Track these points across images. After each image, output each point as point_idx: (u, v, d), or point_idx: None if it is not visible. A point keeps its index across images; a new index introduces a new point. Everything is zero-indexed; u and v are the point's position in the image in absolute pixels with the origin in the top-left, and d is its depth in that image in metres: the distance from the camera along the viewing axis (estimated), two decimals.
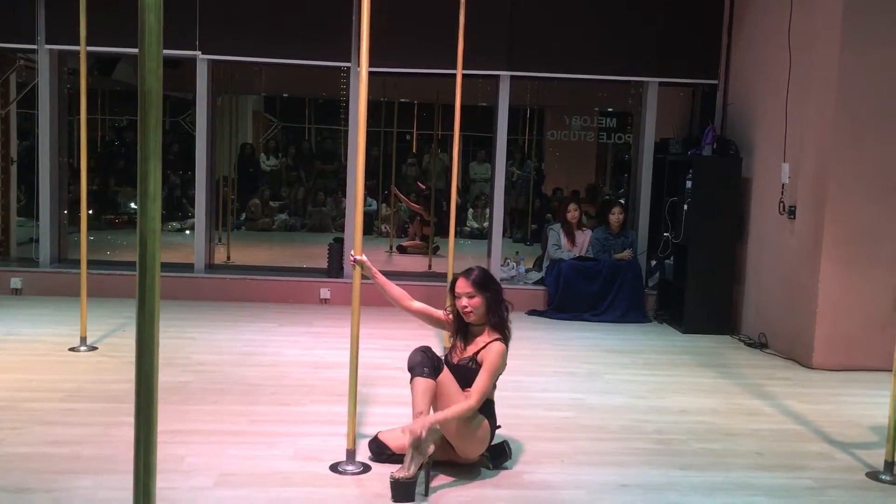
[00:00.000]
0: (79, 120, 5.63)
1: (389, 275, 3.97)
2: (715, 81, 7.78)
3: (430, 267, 9.39)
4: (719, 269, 7.12)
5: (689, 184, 7.13)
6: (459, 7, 5.63)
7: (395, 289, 3.78)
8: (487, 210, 10.94)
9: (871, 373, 5.69)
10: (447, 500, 3.32)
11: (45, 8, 7.48)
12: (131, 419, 1.68)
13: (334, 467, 3.57)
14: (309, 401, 4.62)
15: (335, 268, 7.82)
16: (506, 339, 3.62)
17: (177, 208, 12.64)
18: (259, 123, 15.16)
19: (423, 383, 3.37)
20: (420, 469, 3.29)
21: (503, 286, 3.87)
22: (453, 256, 5.79)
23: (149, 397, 1.64)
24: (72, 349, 5.49)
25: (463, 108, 5.89)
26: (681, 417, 4.61)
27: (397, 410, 4.05)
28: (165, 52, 1.70)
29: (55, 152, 7.75)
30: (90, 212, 7.53)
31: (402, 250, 10.84)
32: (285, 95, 15.08)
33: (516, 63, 7.74)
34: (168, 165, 12.65)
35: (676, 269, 7.39)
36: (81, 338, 5.52)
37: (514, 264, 8.34)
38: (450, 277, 4.94)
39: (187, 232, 11.14)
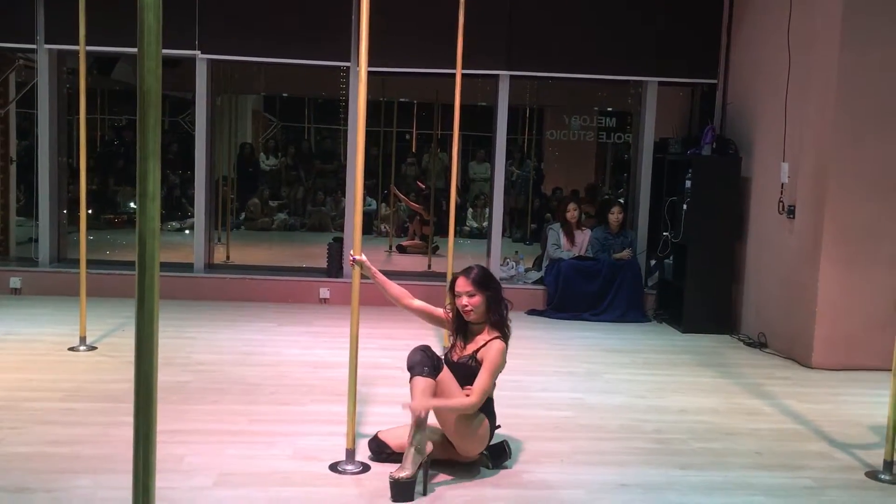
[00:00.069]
0: (78, 119, 5.63)
1: (389, 274, 3.97)
2: (714, 81, 7.78)
3: (429, 266, 9.39)
4: (719, 269, 7.12)
5: (688, 183, 7.13)
6: (459, 7, 5.63)
7: (395, 288, 3.79)
8: (487, 209, 10.94)
9: (871, 372, 5.69)
10: (447, 500, 3.32)
11: (44, 8, 7.48)
12: (131, 419, 1.68)
13: (334, 467, 3.57)
14: (308, 400, 4.62)
15: (335, 267, 7.83)
16: (505, 337, 3.62)
17: (176, 208, 12.64)
18: (258, 123, 15.17)
19: (423, 382, 3.37)
20: (419, 468, 3.29)
21: (503, 286, 3.87)
22: (453, 256, 5.79)
23: (148, 397, 1.64)
24: (71, 349, 5.49)
25: (462, 107, 5.89)
26: (680, 417, 4.62)
27: (397, 410, 4.03)
28: (165, 51, 1.70)
29: (54, 152, 7.75)
30: (89, 211, 7.53)
31: (402, 250, 10.84)
32: (285, 95, 15.08)
33: (516, 63, 7.74)
34: (167, 165, 12.65)
35: (676, 268, 7.39)
36: (81, 337, 5.52)
37: (514, 264, 8.34)
38: (449, 277, 4.94)
39: (187, 231, 11.14)
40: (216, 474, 3.46)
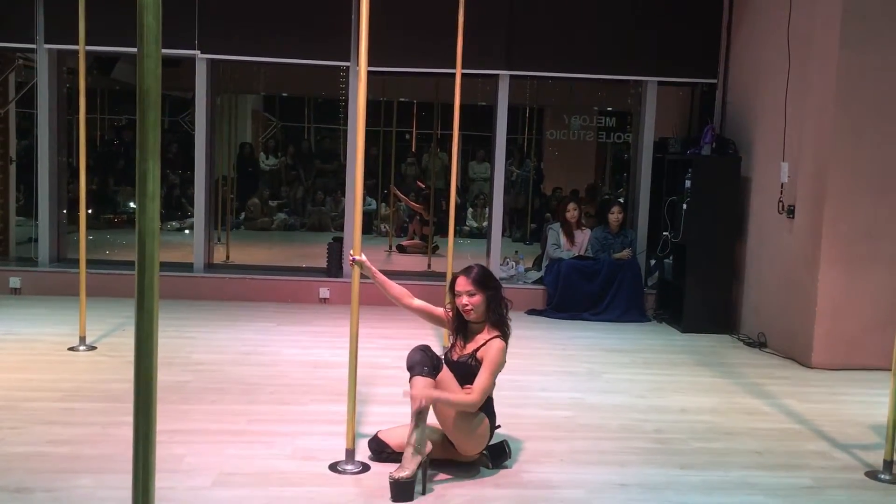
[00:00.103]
0: (78, 119, 5.63)
1: (389, 274, 3.97)
2: (714, 81, 7.78)
3: (429, 266, 9.39)
4: (718, 269, 7.12)
5: (688, 183, 7.13)
6: (459, 6, 5.63)
7: (395, 287, 3.79)
8: (487, 209, 10.94)
9: (870, 372, 5.69)
10: (447, 499, 3.32)
11: (43, 7, 7.48)
12: (130, 419, 1.68)
13: (333, 467, 3.57)
14: (308, 400, 4.62)
15: (334, 267, 7.83)
16: (505, 336, 3.63)
17: (176, 207, 12.64)
18: (258, 123, 15.17)
19: (423, 382, 3.37)
20: (418, 468, 3.30)
21: (502, 285, 3.87)
22: (452, 256, 5.79)
23: (148, 397, 1.64)
24: (71, 349, 5.49)
25: (462, 107, 5.89)
26: (680, 416, 4.62)
27: (396, 410, 4.05)
28: (164, 51, 1.70)
29: (54, 152, 7.75)
30: (89, 211, 7.53)
31: (402, 249, 10.84)
32: (284, 95, 15.07)
33: (515, 62, 7.74)
34: (167, 165, 12.65)
35: (675, 268, 7.39)
36: (80, 337, 5.52)
37: (514, 263, 8.34)
38: (449, 277, 4.94)
39: (186, 231, 11.14)
40: (216, 474, 3.46)
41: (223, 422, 4.17)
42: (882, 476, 3.75)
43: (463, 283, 3.61)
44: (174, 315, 6.61)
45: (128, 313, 6.44)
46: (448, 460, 3.61)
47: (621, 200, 8.70)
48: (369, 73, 3.60)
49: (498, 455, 3.70)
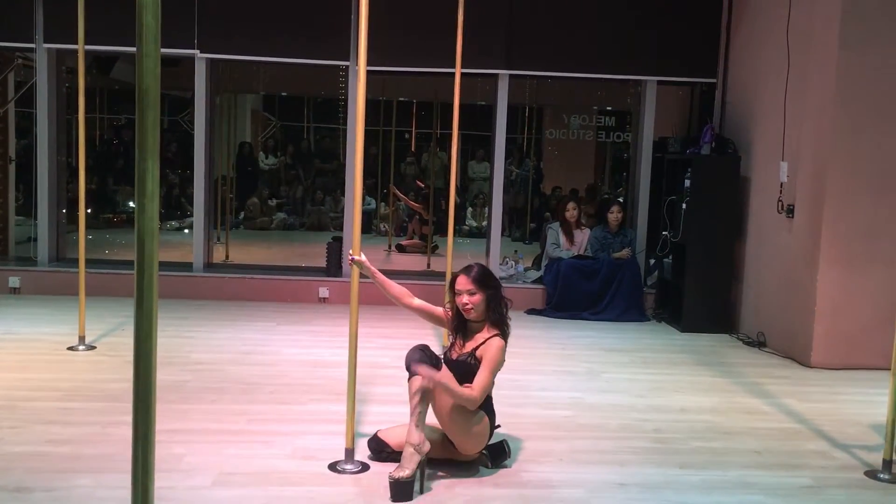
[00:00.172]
0: (77, 119, 5.63)
1: (388, 273, 3.97)
2: (713, 80, 7.78)
3: (428, 266, 9.39)
4: (718, 268, 7.12)
5: (687, 182, 7.13)
6: (458, 6, 5.63)
7: (395, 287, 3.79)
8: (486, 209, 10.94)
9: (870, 371, 5.70)
10: (447, 499, 3.32)
11: (43, 7, 7.48)
12: (130, 418, 1.67)
13: (333, 466, 3.57)
14: (307, 400, 4.62)
15: (334, 267, 7.83)
16: (505, 335, 3.63)
17: (175, 207, 12.64)
18: (258, 122, 15.16)
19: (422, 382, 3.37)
20: (417, 468, 3.30)
21: (502, 285, 3.87)
22: (452, 255, 5.79)
23: (147, 396, 1.64)
24: (70, 348, 5.49)
25: (462, 106, 5.89)
26: (679, 416, 4.62)
27: (396, 409, 4.05)
28: (164, 50, 1.70)
29: (53, 151, 7.75)
30: (88, 211, 7.53)
31: (401, 249, 10.84)
32: (284, 94, 15.07)
33: (515, 62, 7.74)
34: (166, 164, 12.65)
35: (675, 267, 7.39)
36: (80, 337, 5.52)
37: (513, 263, 8.34)
38: (448, 276, 4.95)
39: (186, 231, 11.14)
40: (215, 474, 3.46)
41: (223, 421, 4.17)
42: (881, 475, 3.75)
43: (463, 282, 3.62)
44: (173, 314, 6.61)
45: (127, 313, 6.44)
46: (448, 460, 3.61)
47: (621, 200, 8.70)
48: (369, 72, 3.60)
49: (497, 454, 3.70)
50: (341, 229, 8.71)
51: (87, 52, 5.56)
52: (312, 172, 13.89)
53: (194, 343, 5.86)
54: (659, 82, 7.89)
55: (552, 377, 5.35)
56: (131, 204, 11.63)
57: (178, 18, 7.35)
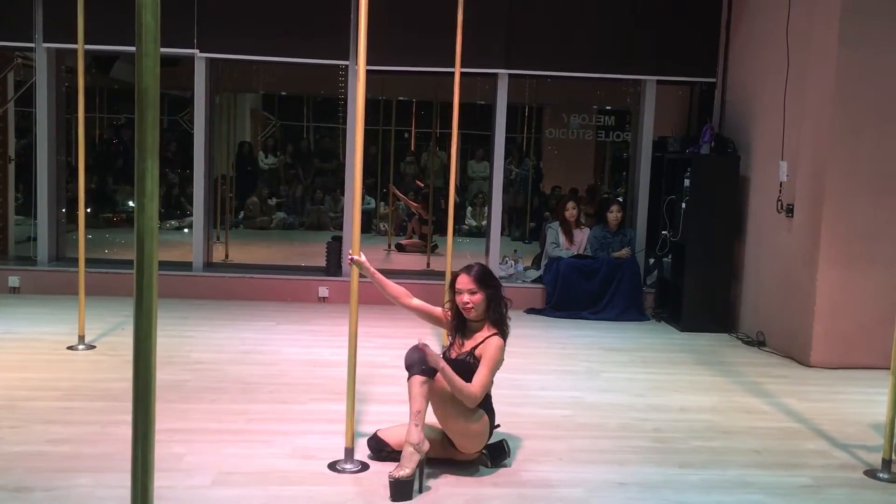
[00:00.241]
0: (77, 118, 5.63)
1: (388, 273, 3.97)
2: (713, 80, 7.78)
3: (428, 265, 9.38)
4: (717, 268, 7.12)
5: (687, 182, 7.13)
6: (458, 5, 5.62)
7: (394, 287, 3.79)
8: (486, 208, 10.94)
9: (869, 371, 5.70)
10: (446, 498, 3.32)
11: (42, 6, 7.48)
12: (129, 417, 1.68)
13: (332, 466, 3.57)
14: (307, 399, 4.62)
15: (333, 266, 7.83)
16: (504, 334, 3.63)
17: (175, 206, 12.64)
18: (257, 121, 15.16)
19: (421, 381, 3.37)
20: (417, 467, 3.30)
21: (502, 284, 3.87)
22: (451, 255, 5.79)
23: (147, 396, 1.64)
24: (70, 348, 5.49)
25: (461, 106, 5.89)
26: (679, 415, 4.62)
27: (395, 408, 4.05)
28: (163, 50, 1.70)
29: (53, 150, 7.75)
30: (88, 210, 7.52)
31: (401, 248, 10.84)
32: (283, 93, 15.07)
33: (514, 61, 7.74)
34: (166, 164, 12.64)
35: (674, 267, 7.39)
36: (80, 336, 5.52)
37: (513, 262, 8.35)
38: (448, 276, 4.95)
39: (185, 230, 11.13)
40: (215, 473, 3.46)
41: (222, 421, 4.17)
42: (881, 475, 3.75)
43: (464, 281, 3.62)
44: (173, 314, 6.61)
45: (127, 312, 6.44)
46: (447, 459, 3.61)
47: (620, 199, 8.70)
48: (368, 71, 3.60)
49: (497, 454, 3.70)
50: (341, 229, 8.71)
51: (86, 52, 5.56)
52: (312, 172, 13.88)
53: (194, 342, 5.86)
54: (658, 82, 7.89)
55: (551, 376, 5.36)
56: (131, 203, 11.63)
57: (177, 18, 7.35)
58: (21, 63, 8.45)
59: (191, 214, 8.76)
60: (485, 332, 3.63)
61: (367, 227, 12.22)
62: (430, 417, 3.49)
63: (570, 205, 7.93)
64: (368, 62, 3.59)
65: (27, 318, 6.47)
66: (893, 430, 3.72)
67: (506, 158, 8.56)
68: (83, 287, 5.56)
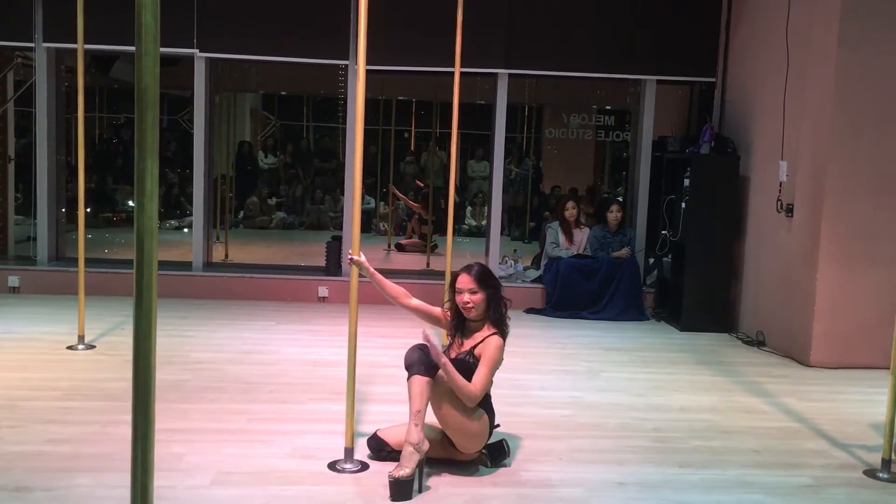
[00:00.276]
0: (76, 118, 5.62)
1: (388, 273, 3.98)
2: (713, 79, 7.78)
3: (428, 265, 9.38)
4: (717, 267, 7.12)
5: (686, 182, 7.13)
6: (457, 5, 5.62)
7: (393, 287, 3.79)
8: (485, 208, 10.93)
9: (869, 370, 5.70)
10: (446, 498, 3.32)
11: (42, 6, 7.47)
12: (129, 417, 1.67)
13: (332, 465, 3.57)
14: (307, 399, 4.62)
15: (333, 266, 7.83)
16: (503, 334, 3.64)
17: (175, 206, 12.64)
18: (257, 121, 15.16)
19: (421, 381, 3.37)
20: (417, 467, 3.30)
21: (502, 284, 3.88)
22: (451, 254, 5.79)
23: (146, 395, 1.64)
24: (70, 347, 5.48)
25: (461, 105, 5.88)
26: (679, 415, 4.62)
27: (395, 408, 4.05)
28: (163, 50, 1.70)
29: (53, 150, 7.74)
30: (88, 210, 7.52)
31: (401, 248, 10.84)
32: (283, 93, 15.06)
33: (514, 61, 7.74)
34: (166, 163, 12.64)
35: (674, 266, 7.39)
36: (79, 336, 5.52)
37: (513, 262, 8.34)
38: (447, 276, 4.95)
39: (185, 230, 11.13)
40: (214, 473, 3.46)
41: (222, 420, 4.17)
42: (880, 474, 3.75)
43: (465, 281, 3.62)
44: (173, 314, 6.61)
45: (126, 312, 6.44)
46: (447, 459, 3.61)
47: (620, 199, 8.70)
48: (368, 71, 3.60)
49: (497, 454, 3.70)
50: (341, 228, 8.71)
51: (86, 52, 5.56)
52: (312, 171, 13.88)
53: (194, 342, 5.86)
54: (658, 81, 7.89)
55: (551, 376, 5.36)
56: (131, 203, 11.63)
57: (177, 17, 7.35)
58: (21, 63, 8.44)
59: (190, 214, 8.76)
60: (484, 332, 3.64)
61: (366, 227, 12.22)
62: (430, 417, 3.49)
63: (570, 204, 7.93)
64: (368, 62, 3.59)
65: (27, 317, 6.47)
66: (893, 429, 3.72)
67: (505, 158, 8.56)
68: (83, 287, 5.56)
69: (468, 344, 3.65)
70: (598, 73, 8.02)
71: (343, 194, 8.50)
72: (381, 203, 12.71)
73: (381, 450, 3.65)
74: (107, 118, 14.00)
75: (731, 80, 7.56)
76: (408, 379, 3.41)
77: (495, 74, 7.78)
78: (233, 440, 3.88)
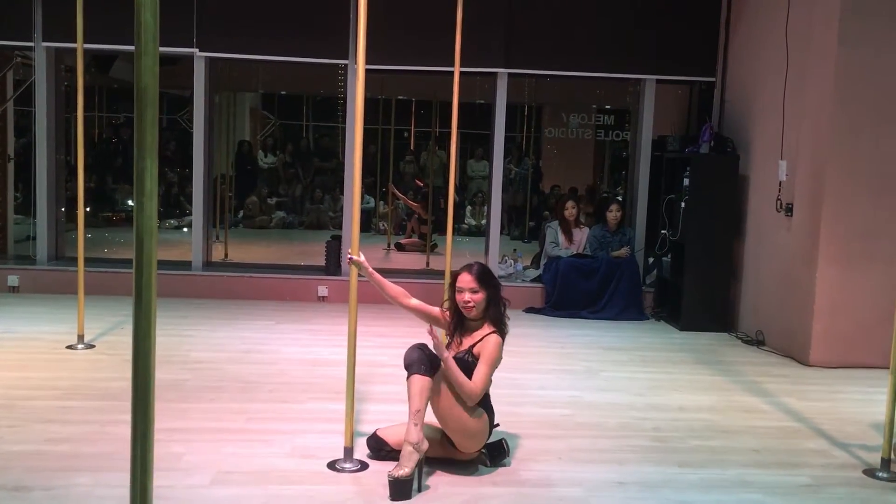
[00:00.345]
0: (76, 117, 5.62)
1: (387, 272, 3.98)
2: (712, 79, 7.78)
3: (427, 264, 9.38)
4: (717, 267, 7.12)
5: (686, 181, 7.13)
6: (457, 4, 5.62)
7: (392, 288, 3.79)
8: (485, 207, 10.93)
9: (868, 370, 5.70)
10: (445, 497, 3.32)
11: (41, 5, 7.47)
12: (128, 417, 1.67)
13: (332, 465, 3.57)
14: (306, 398, 4.62)
15: (333, 265, 7.82)
16: (502, 333, 3.64)
17: (174, 205, 12.63)
18: (256, 121, 15.15)
19: (420, 381, 3.37)
20: (416, 466, 3.30)
21: (501, 283, 3.88)
22: (451, 254, 5.79)
23: (146, 395, 1.64)
24: (69, 347, 5.48)
25: (461, 105, 5.87)
26: (678, 415, 4.62)
27: (395, 408, 4.06)
28: (162, 49, 1.69)
29: (52, 149, 7.74)
30: (87, 209, 7.52)
31: (400, 248, 10.84)
32: (283, 92, 15.05)
33: (514, 60, 7.74)
34: (165, 163, 12.64)
35: (674, 266, 7.39)
36: (79, 335, 5.52)
37: (512, 262, 8.34)
38: (447, 275, 4.95)
39: (185, 229, 11.13)
40: (214, 472, 3.46)
41: (221, 420, 4.17)
42: (880, 474, 3.75)
43: (466, 280, 3.63)
44: (172, 313, 6.61)
45: (126, 311, 6.44)
46: (446, 458, 3.61)
47: (619, 198, 8.70)
48: (368, 71, 3.60)
49: (496, 453, 3.70)
50: (340, 228, 8.71)
51: (85, 51, 5.56)
52: (311, 171, 13.88)
53: (193, 342, 5.86)
54: (658, 81, 7.89)
55: (551, 376, 5.36)
56: (130, 202, 11.62)
57: (176, 17, 7.34)
58: (20, 62, 8.44)
59: (190, 213, 8.76)
60: (483, 331, 3.64)
61: (366, 227, 12.22)
62: (430, 417, 3.49)
63: (570, 204, 7.93)
64: (368, 61, 3.59)
65: (26, 317, 6.47)
66: (892, 429, 3.72)
67: (505, 158, 8.56)
68: (82, 286, 5.56)
69: (467, 343, 3.65)
70: (597, 72, 8.02)
71: (342, 194, 8.50)
72: (381, 202, 12.70)
73: (381, 449, 3.65)
74: (106, 117, 13.99)
75: (730, 79, 7.56)
76: (407, 378, 3.41)
77: (495, 74, 7.77)
78: (232, 440, 3.88)
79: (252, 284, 7.66)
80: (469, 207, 13.03)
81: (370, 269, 3.66)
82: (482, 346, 3.57)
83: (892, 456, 3.77)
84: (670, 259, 7.47)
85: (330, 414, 4.22)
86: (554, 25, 7.72)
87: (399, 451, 3.37)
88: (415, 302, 3.82)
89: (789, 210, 6.29)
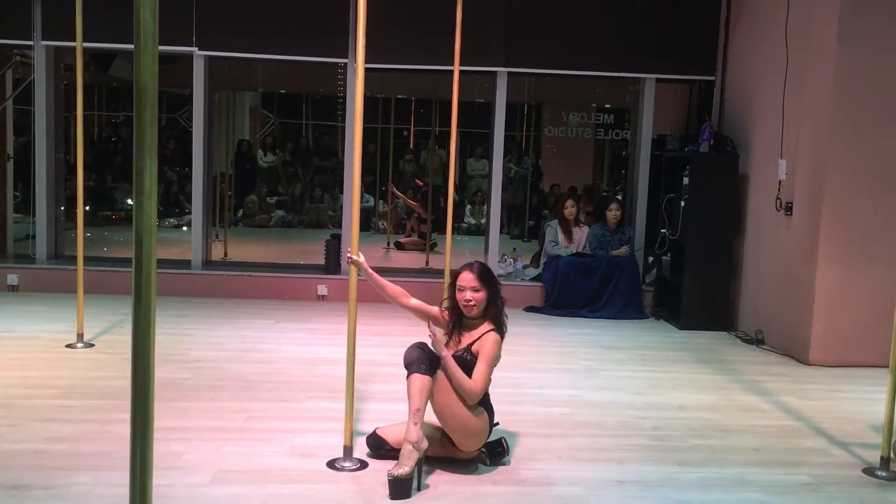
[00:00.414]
0: (75, 116, 5.62)
1: (387, 271, 3.98)
2: (712, 78, 7.78)
3: (427, 263, 9.38)
4: (716, 266, 7.12)
5: (686, 180, 7.13)
6: (457, 3, 5.62)
7: (392, 287, 3.79)
8: (485, 206, 10.93)
9: (868, 369, 5.70)
10: (445, 496, 3.32)
11: (41, 4, 7.47)
12: (128, 416, 1.67)
13: (331, 464, 3.57)
14: (306, 397, 4.62)
15: (332, 264, 7.82)
16: (501, 332, 3.64)
17: (174, 204, 12.63)
18: (256, 119, 15.14)
19: (420, 379, 3.37)
20: (416, 465, 3.30)
21: (501, 283, 3.89)
22: (451, 253, 5.78)
23: (145, 394, 1.64)
24: (69, 346, 5.48)
25: (460, 104, 5.87)
26: (678, 414, 4.62)
27: (394, 407, 4.06)
28: (162, 48, 1.69)
29: (51, 148, 7.74)
30: (87, 208, 7.52)
31: (400, 247, 10.84)
32: (282, 91, 15.04)
33: (514, 59, 7.73)
34: (165, 162, 12.63)
35: (673, 265, 7.39)
36: (78, 334, 5.52)
37: (512, 261, 8.34)
38: (447, 274, 4.95)
39: (184, 228, 11.13)
40: (213, 471, 3.46)
41: (221, 419, 4.17)
42: (879, 473, 3.75)
43: (467, 279, 3.63)
44: (172, 312, 6.61)
45: (125, 310, 6.44)
46: (446, 457, 3.61)
47: (619, 197, 8.70)
48: (367, 69, 3.60)
49: (496, 452, 3.70)
50: (340, 227, 8.70)
51: (85, 50, 5.56)
52: (311, 170, 13.87)
53: (193, 340, 5.86)
54: (658, 80, 7.89)
55: (550, 375, 5.36)
56: (129, 201, 11.62)
57: (176, 16, 7.34)
58: (20, 61, 8.44)
59: (189, 212, 8.75)
60: (482, 329, 3.64)
61: (366, 226, 12.22)
62: (430, 416, 3.49)
63: (569, 203, 7.93)
64: (367, 60, 3.58)
65: (26, 316, 6.47)
66: (892, 428, 3.73)
67: (505, 157, 8.56)
68: (82, 285, 5.56)
69: (465, 341, 3.65)
70: (597, 71, 8.02)
71: (342, 192, 8.50)
72: (381, 201, 12.70)
73: (381, 448, 3.65)
74: (106, 116, 13.98)
75: (730, 78, 7.56)
76: (407, 377, 3.41)
77: (494, 73, 7.77)
78: (232, 438, 3.88)
79: (251, 283, 7.66)
80: (469, 206, 13.03)
81: (369, 270, 3.66)
82: (481, 343, 3.57)
83: (892, 455, 3.78)
84: (670, 258, 7.47)
85: (329, 413, 4.22)
86: (554, 24, 7.72)
87: (399, 450, 3.37)
88: (414, 302, 3.82)
89: (789, 209, 6.30)
